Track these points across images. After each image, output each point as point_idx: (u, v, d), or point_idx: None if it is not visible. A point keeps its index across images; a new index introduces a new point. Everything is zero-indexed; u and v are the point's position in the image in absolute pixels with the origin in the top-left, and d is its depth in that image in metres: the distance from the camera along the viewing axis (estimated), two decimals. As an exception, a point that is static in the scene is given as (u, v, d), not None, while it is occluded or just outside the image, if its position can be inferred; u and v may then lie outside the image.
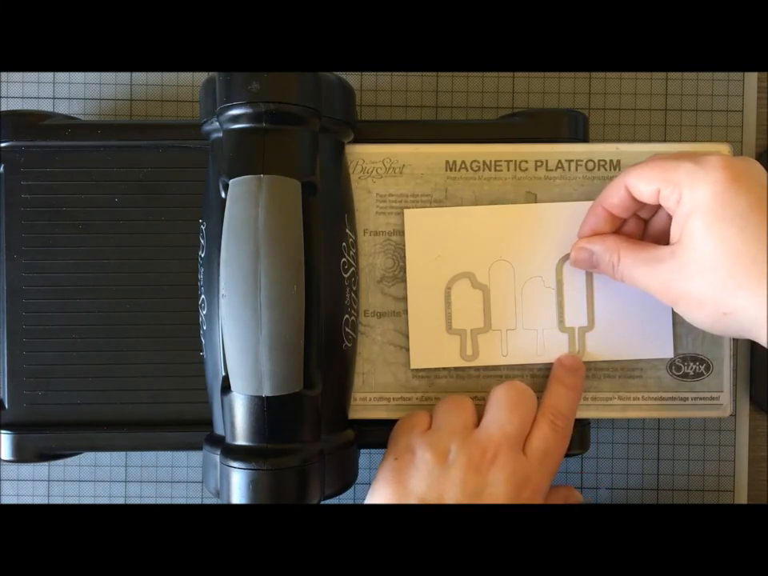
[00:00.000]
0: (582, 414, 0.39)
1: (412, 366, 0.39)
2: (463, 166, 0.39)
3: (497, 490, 0.35)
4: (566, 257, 0.38)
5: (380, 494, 0.36)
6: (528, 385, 0.38)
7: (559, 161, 0.39)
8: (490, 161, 0.39)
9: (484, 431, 0.36)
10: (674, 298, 0.33)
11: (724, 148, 0.39)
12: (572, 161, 0.39)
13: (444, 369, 0.39)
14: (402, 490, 0.35)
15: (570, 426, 0.37)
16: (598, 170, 0.39)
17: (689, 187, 0.32)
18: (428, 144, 0.39)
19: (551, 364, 0.39)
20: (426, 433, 0.37)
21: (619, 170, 0.39)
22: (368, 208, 0.39)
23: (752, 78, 0.45)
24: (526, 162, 0.39)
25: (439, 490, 0.35)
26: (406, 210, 0.39)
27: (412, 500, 0.35)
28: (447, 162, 0.39)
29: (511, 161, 0.39)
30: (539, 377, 0.39)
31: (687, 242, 0.32)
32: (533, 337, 0.39)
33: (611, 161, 0.39)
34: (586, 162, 0.39)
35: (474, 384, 0.39)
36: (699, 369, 0.39)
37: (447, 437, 0.36)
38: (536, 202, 0.39)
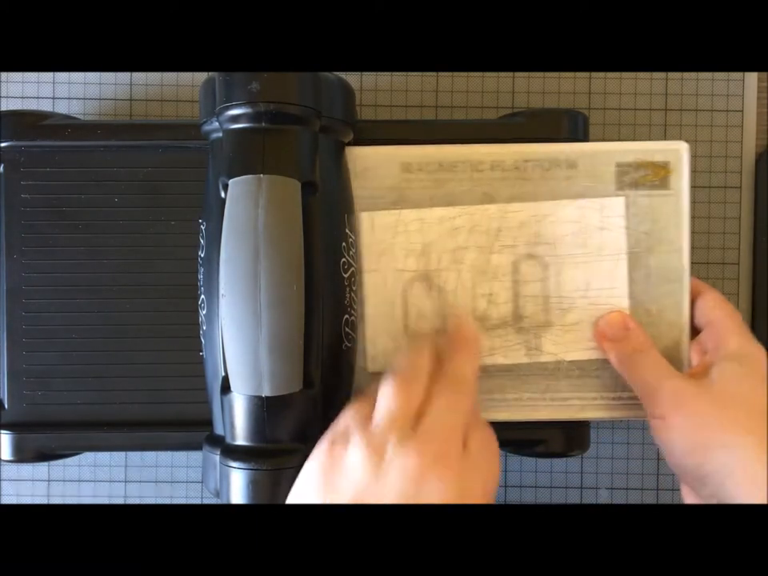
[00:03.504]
0: (540, 415, 0.39)
1: (369, 370, 0.39)
2: (419, 168, 0.38)
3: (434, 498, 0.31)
4: (525, 256, 0.38)
5: (307, 486, 0.32)
6: (486, 387, 0.38)
7: (515, 161, 0.39)
8: (447, 161, 0.39)
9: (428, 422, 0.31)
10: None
11: (682, 146, 0.39)
12: (528, 161, 0.39)
13: None
14: (331, 491, 0.31)
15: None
16: (554, 170, 0.39)
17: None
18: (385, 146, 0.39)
19: (507, 365, 0.38)
20: (366, 422, 0.32)
21: (575, 169, 0.38)
22: None
23: (752, 77, 0.46)
24: (483, 162, 0.39)
25: (371, 499, 0.31)
26: (361, 213, 0.38)
27: (341, 501, 0.31)
28: (403, 163, 0.38)
29: (465, 161, 0.38)
30: (497, 377, 0.39)
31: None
32: (489, 337, 0.39)
33: (567, 161, 0.39)
34: (542, 161, 0.39)
35: None
36: None
37: (386, 430, 0.31)
38: (493, 203, 0.39)
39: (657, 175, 0.38)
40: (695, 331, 0.39)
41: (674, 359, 0.38)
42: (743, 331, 0.37)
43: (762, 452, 0.32)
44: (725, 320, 0.37)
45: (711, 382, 0.35)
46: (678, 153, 0.38)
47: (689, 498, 0.36)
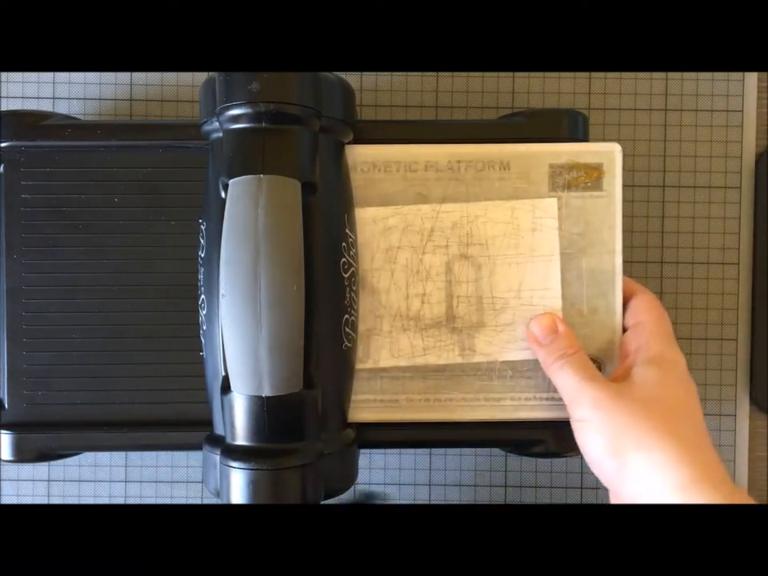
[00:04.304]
0: (473, 416, 0.39)
1: None
2: (352, 167, 0.38)
3: None
4: (458, 257, 0.38)
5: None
6: (420, 387, 0.38)
7: (449, 161, 0.39)
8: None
9: None
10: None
11: (615, 148, 0.39)
12: (461, 162, 0.39)
13: None
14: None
15: None
16: (487, 170, 0.39)
17: None
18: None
19: (441, 365, 0.39)
20: None
21: (508, 170, 0.39)
22: None
23: (752, 77, 0.46)
24: (417, 162, 0.39)
25: None
26: None
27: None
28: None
29: (398, 162, 0.38)
30: (431, 378, 0.39)
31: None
32: (423, 337, 0.39)
33: (500, 162, 0.39)
34: (476, 162, 0.39)
35: (363, 386, 0.39)
36: None
37: None
38: (426, 203, 0.39)
39: (590, 177, 0.39)
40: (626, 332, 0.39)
41: (606, 360, 0.38)
42: (666, 335, 0.37)
43: (677, 455, 0.33)
44: (650, 323, 0.37)
45: (630, 386, 0.35)
46: (610, 155, 0.39)
47: (614, 498, 0.36)
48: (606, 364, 0.38)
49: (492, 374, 0.39)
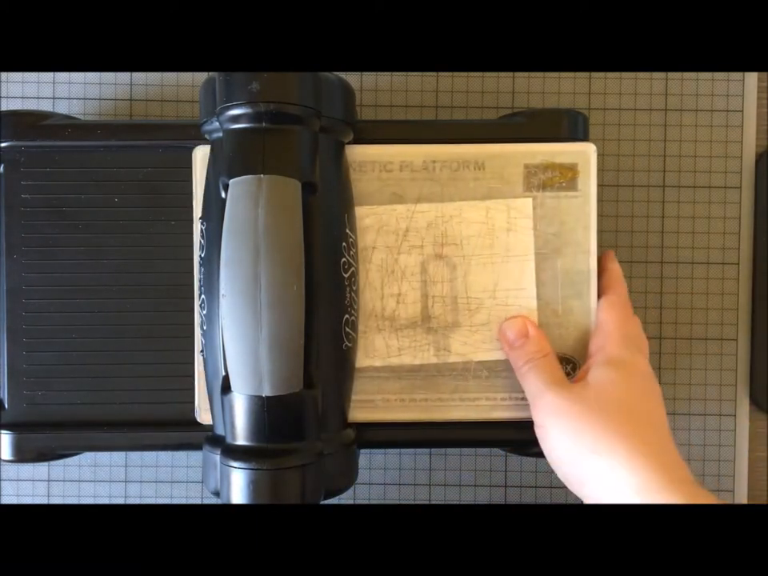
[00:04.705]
0: (449, 416, 0.39)
1: None
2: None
3: None
4: (433, 257, 0.38)
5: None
6: (395, 388, 0.38)
7: (424, 161, 0.39)
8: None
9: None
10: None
11: (589, 148, 0.39)
12: (436, 162, 0.39)
13: None
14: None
15: None
16: (462, 170, 0.39)
17: None
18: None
19: (417, 365, 0.39)
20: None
21: (483, 171, 0.39)
22: None
23: (752, 77, 0.46)
24: (392, 162, 0.39)
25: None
26: None
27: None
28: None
29: (374, 162, 0.38)
30: (406, 378, 0.39)
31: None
32: (398, 337, 0.39)
33: (475, 162, 0.39)
34: (451, 162, 0.39)
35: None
36: (566, 369, 0.39)
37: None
38: (401, 203, 0.39)
39: (564, 177, 0.39)
40: None
41: (581, 359, 0.38)
42: (624, 336, 0.37)
43: (632, 458, 0.33)
44: (610, 323, 0.37)
45: (588, 389, 0.35)
46: (585, 155, 0.39)
47: (578, 499, 0.36)
48: (580, 363, 0.38)
49: (467, 374, 0.39)
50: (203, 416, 0.39)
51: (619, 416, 0.34)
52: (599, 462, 0.34)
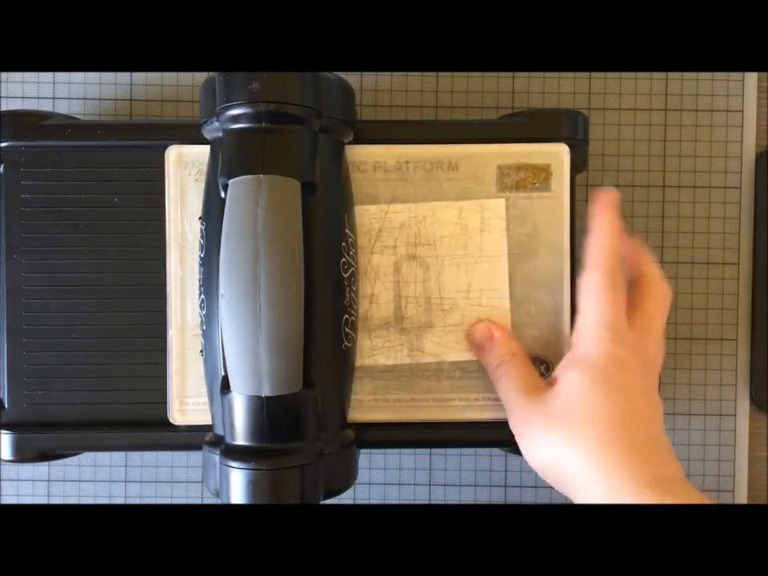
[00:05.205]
0: (423, 416, 0.39)
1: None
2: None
3: None
4: (406, 257, 0.38)
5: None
6: (369, 388, 0.38)
7: (397, 162, 0.39)
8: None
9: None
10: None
11: (563, 149, 0.39)
12: (410, 162, 0.39)
13: None
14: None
15: None
16: (435, 171, 0.39)
17: None
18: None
19: (390, 365, 0.39)
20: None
21: (457, 171, 0.39)
22: None
23: (752, 77, 0.46)
24: (365, 163, 0.39)
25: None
26: None
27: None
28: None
29: (349, 162, 0.38)
30: (379, 378, 0.39)
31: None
32: (371, 338, 0.39)
33: (448, 162, 0.39)
34: (424, 163, 0.39)
35: None
36: (540, 369, 0.39)
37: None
38: (374, 203, 0.39)
39: (537, 177, 0.39)
40: None
41: (554, 359, 0.38)
42: (606, 326, 0.35)
43: (593, 466, 0.33)
44: (586, 314, 0.36)
45: (553, 397, 0.35)
46: (558, 155, 0.39)
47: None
48: (554, 363, 0.38)
49: (440, 375, 0.39)
50: (176, 416, 0.39)
51: (584, 423, 0.34)
52: (564, 471, 0.34)
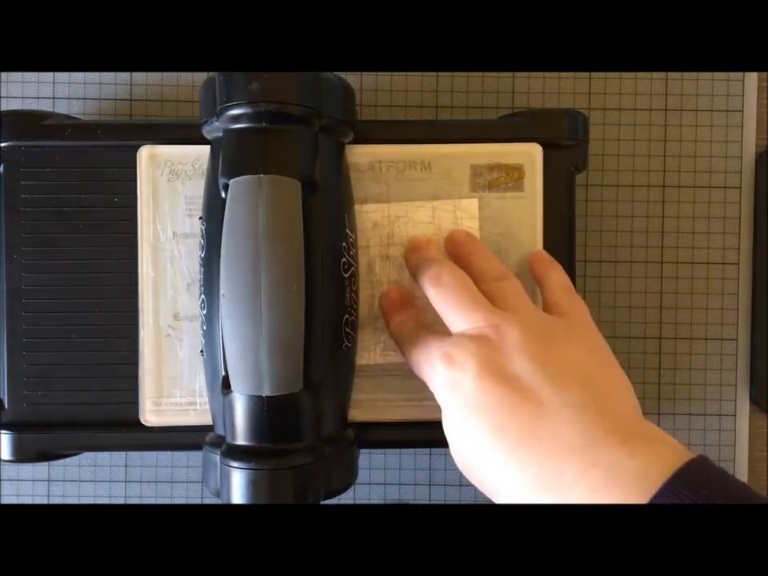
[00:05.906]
0: (396, 416, 0.39)
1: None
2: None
3: None
4: (379, 257, 0.39)
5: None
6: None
7: (370, 161, 0.39)
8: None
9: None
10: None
11: (535, 149, 0.39)
12: (382, 162, 0.39)
13: None
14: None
15: None
16: (409, 171, 0.39)
17: None
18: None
19: (362, 365, 0.39)
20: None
21: (430, 171, 0.39)
22: (177, 209, 0.39)
23: (752, 77, 0.46)
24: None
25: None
26: None
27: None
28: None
29: None
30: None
31: None
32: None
33: (421, 162, 0.39)
34: (397, 163, 0.39)
35: None
36: None
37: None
38: None
39: (510, 177, 0.39)
40: None
41: None
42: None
43: (508, 462, 0.33)
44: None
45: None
46: (531, 155, 0.39)
47: None
48: None
49: (413, 374, 0.39)
50: (148, 417, 0.38)
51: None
52: (479, 469, 0.34)
